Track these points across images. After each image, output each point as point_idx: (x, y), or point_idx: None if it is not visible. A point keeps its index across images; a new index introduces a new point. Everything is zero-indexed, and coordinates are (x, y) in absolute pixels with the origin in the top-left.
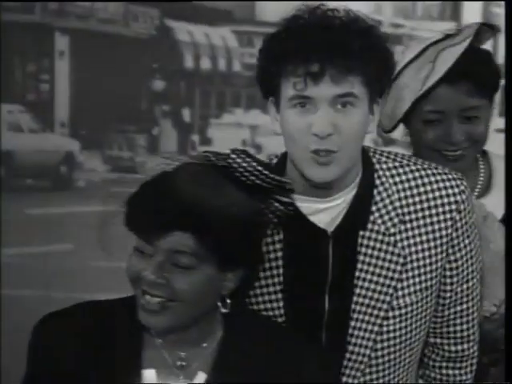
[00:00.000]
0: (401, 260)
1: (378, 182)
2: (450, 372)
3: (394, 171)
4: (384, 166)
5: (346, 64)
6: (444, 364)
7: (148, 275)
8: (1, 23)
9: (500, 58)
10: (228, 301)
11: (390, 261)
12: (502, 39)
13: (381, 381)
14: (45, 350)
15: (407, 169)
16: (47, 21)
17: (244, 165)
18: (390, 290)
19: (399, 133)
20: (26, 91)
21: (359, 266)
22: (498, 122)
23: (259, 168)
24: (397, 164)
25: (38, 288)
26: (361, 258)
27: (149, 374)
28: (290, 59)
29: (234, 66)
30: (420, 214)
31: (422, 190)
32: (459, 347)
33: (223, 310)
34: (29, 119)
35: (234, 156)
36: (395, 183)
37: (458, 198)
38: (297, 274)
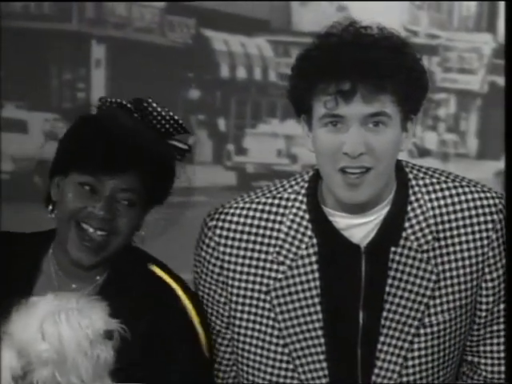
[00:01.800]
0: (433, 277)
1: (413, 198)
2: None
3: (430, 188)
4: (421, 183)
5: (378, 83)
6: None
7: (97, 211)
8: (38, 32)
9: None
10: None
11: (422, 278)
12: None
13: None
14: None
15: (444, 185)
16: (84, 29)
17: (159, 109)
18: (422, 307)
19: (434, 144)
20: (62, 100)
21: (389, 281)
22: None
23: (170, 113)
24: (434, 180)
25: None
26: (392, 273)
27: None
28: (321, 77)
29: (269, 76)
30: (455, 232)
31: (458, 207)
32: (496, 368)
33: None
34: (65, 128)
35: (149, 101)
36: (431, 200)
37: (495, 217)
38: (333, 287)
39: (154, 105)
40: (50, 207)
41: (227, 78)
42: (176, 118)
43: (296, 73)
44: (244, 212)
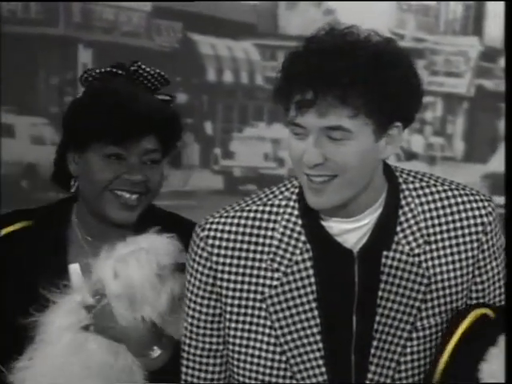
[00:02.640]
0: (425, 281)
1: (403, 202)
2: None
3: (420, 191)
4: (411, 186)
5: (338, 94)
6: None
7: (129, 177)
8: (25, 36)
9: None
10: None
11: (414, 281)
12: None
13: None
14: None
15: (434, 189)
16: (71, 34)
17: (147, 69)
18: (414, 311)
19: (421, 147)
20: (49, 104)
21: (382, 286)
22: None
23: (154, 69)
24: (424, 184)
25: None
26: (384, 278)
27: (73, 268)
28: (293, 84)
29: (256, 80)
30: (446, 235)
31: (448, 210)
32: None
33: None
34: (52, 132)
35: (136, 63)
36: (421, 203)
37: (485, 219)
38: (328, 293)
39: (142, 65)
40: (72, 182)
41: (214, 82)
42: (158, 71)
43: (279, 77)
44: (236, 221)
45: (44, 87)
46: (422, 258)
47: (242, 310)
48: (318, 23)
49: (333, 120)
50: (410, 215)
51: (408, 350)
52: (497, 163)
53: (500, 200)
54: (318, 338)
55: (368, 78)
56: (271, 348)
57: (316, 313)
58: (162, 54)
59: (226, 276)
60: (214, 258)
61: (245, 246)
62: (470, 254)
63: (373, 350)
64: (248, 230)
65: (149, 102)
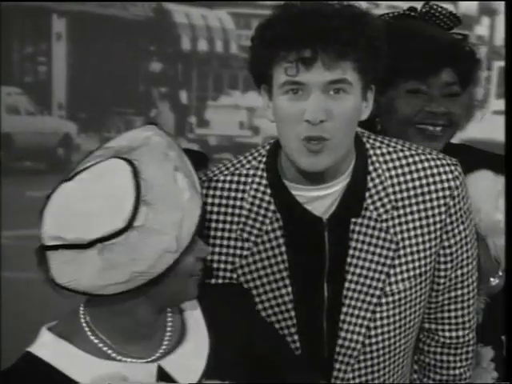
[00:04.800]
0: (393, 246)
1: (371, 168)
2: (445, 358)
3: (387, 157)
4: (378, 152)
5: (339, 50)
6: (439, 350)
7: (432, 108)
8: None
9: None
10: None
11: (382, 247)
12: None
13: (376, 367)
14: None
15: (401, 154)
16: (44, 4)
17: (440, 10)
18: (383, 276)
19: None
20: (23, 74)
21: (351, 252)
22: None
23: (449, 10)
24: (391, 149)
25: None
26: (353, 244)
27: None
28: (282, 45)
29: (231, 48)
30: (413, 200)
31: (415, 175)
32: (454, 333)
33: None
34: (26, 102)
35: (431, 4)
36: (388, 169)
37: (452, 183)
38: (299, 261)
39: (434, 5)
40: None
41: (188, 51)
42: (450, 11)
43: (256, 42)
44: (204, 191)
45: (18, 57)
46: (390, 223)
47: (213, 281)
48: None
49: (338, 73)
50: (377, 181)
51: (378, 315)
52: (472, 130)
53: None
54: (290, 306)
55: (362, 35)
56: None
57: (287, 281)
58: (136, 24)
59: None
60: None
61: (214, 217)
62: (437, 218)
63: (342, 316)
64: (216, 201)
65: (444, 37)
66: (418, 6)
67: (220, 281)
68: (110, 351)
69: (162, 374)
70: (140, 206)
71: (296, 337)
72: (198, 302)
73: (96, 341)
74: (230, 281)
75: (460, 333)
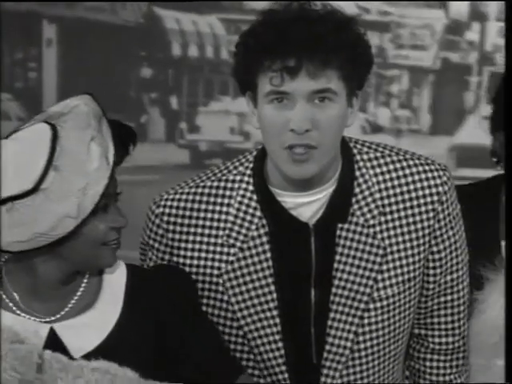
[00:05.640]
0: (380, 251)
1: (357, 173)
2: (434, 364)
3: (374, 162)
4: (365, 157)
5: (323, 58)
6: (428, 356)
7: None
8: None
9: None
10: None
11: (370, 252)
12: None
13: (364, 373)
14: None
15: (388, 159)
16: (35, 9)
17: None
18: (370, 282)
19: (387, 120)
20: (13, 79)
21: (337, 257)
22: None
23: None
24: (378, 155)
25: None
26: (339, 249)
27: None
28: (267, 54)
29: (221, 54)
30: (401, 206)
31: (402, 181)
32: (443, 339)
33: None
34: (17, 107)
35: None
36: (375, 174)
37: (440, 189)
38: (285, 267)
39: None
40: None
41: (179, 57)
42: None
43: (241, 49)
44: (190, 197)
45: (8, 62)
46: (377, 228)
47: (200, 285)
48: None
49: (323, 82)
50: (364, 186)
51: (366, 320)
52: (463, 135)
53: (466, 172)
54: (275, 312)
55: (349, 40)
56: (228, 323)
57: (272, 288)
58: (126, 29)
59: (182, 252)
60: (170, 235)
61: (200, 222)
62: (425, 223)
63: (330, 322)
64: (203, 206)
65: None
66: (407, 11)
67: (206, 286)
68: (12, 305)
69: (54, 338)
70: (49, 171)
71: (280, 344)
72: (127, 276)
73: (4, 296)
74: (216, 286)
75: (450, 339)
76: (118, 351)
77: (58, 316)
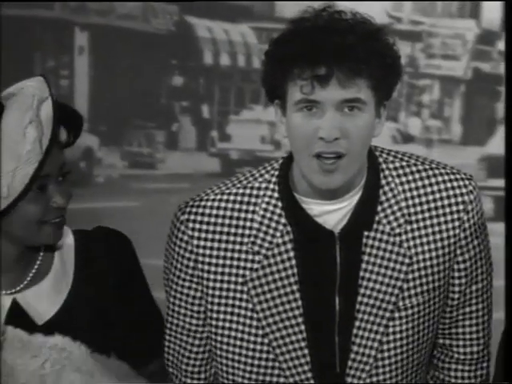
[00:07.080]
0: (406, 260)
1: (383, 182)
2: (459, 374)
3: (400, 171)
4: (391, 166)
5: (353, 67)
6: (453, 366)
7: None
8: (21, 19)
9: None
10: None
11: (396, 261)
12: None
13: (388, 382)
14: None
15: (414, 168)
16: (67, 17)
17: None
18: (396, 291)
19: (418, 130)
20: None
21: (363, 266)
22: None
23: None
24: (404, 164)
25: None
26: (365, 258)
27: None
28: (297, 62)
29: (253, 63)
30: (427, 215)
31: (428, 190)
32: (468, 349)
33: None
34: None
35: None
36: (401, 183)
37: (466, 198)
38: (309, 275)
39: None
40: None
41: (211, 65)
42: None
43: (270, 58)
44: (216, 204)
45: (40, 70)
46: (404, 237)
47: (224, 293)
48: (314, 6)
49: (353, 92)
50: (390, 195)
51: (390, 329)
52: (494, 146)
53: (497, 183)
54: (300, 320)
55: (379, 50)
56: (253, 331)
57: (297, 295)
58: (157, 37)
59: (207, 259)
60: (195, 242)
61: (225, 230)
62: (451, 232)
63: (355, 331)
64: (228, 213)
65: None
66: (438, 20)
67: (231, 294)
68: None
69: (17, 308)
70: None
71: (306, 351)
72: (74, 241)
73: None
74: (241, 294)
75: (474, 348)
76: (75, 316)
77: (18, 288)
